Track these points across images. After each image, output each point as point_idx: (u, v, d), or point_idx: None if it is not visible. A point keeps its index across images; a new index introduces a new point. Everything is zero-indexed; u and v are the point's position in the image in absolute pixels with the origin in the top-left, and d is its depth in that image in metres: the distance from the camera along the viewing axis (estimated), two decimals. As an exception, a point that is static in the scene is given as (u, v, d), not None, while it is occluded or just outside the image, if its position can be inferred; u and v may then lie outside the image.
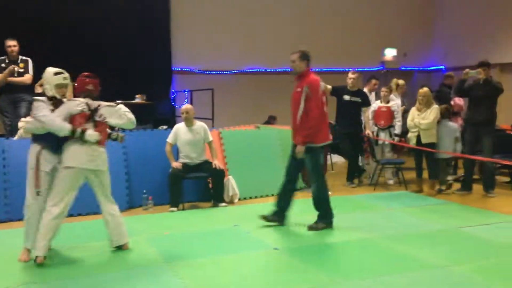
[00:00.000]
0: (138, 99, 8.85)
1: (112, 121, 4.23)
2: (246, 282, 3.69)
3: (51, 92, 4.10)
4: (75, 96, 4.28)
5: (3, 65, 6.80)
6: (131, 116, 4.27)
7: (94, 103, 4.18)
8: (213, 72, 11.13)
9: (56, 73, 4.15)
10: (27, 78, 6.88)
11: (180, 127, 6.28)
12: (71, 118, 4.06)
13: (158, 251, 4.45)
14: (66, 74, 4.20)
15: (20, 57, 6.96)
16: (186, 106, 6.46)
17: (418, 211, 5.86)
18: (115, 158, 6.22)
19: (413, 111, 6.98)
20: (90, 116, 4.12)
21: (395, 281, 3.67)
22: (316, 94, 4.81)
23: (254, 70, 11.48)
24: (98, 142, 4.15)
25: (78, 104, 4.12)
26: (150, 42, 10.31)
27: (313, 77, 4.89)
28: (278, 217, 5.17)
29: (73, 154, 4.06)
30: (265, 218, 5.16)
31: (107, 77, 9.30)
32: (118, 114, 4.23)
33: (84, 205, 5.54)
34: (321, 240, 4.74)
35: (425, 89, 6.94)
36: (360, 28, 12.00)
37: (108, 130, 4.42)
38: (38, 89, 7.54)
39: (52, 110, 4.05)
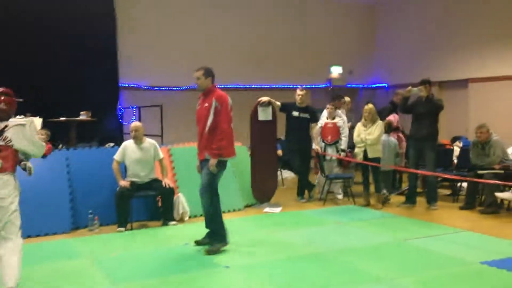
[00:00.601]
0: (83, 116, 8.56)
1: (20, 146, 3.68)
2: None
3: None
4: None
5: None
6: (42, 144, 3.86)
7: (0, 124, 3.65)
8: (162, 88, 10.99)
9: None
10: None
11: (128, 144, 6.12)
12: None
13: (105, 273, 4.28)
14: None
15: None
16: (135, 123, 6.31)
17: (366, 225, 5.99)
18: (57, 177, 6.00)
19: (359, 126, 7.18)
20: None
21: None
22: (226, 108, 4.81)
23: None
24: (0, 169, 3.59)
25: None
26: (96, 58, 10.03)
27: (221, 93, 4.92)
28: (210, 238, 5.00)
29: None
30: (198, 243, 5.03)
31: (51, 93, 9.16)
32: (30, 139, 3.70)
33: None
34: (272, 256, 4.73)
35: (370, 105, 7.17)
36: (308, 46, 12.29)
37: (20, 156, 3.83)
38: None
39: None
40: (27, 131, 3.70)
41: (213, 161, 4.74)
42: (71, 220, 5.87)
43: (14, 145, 3.63)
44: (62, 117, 8.26)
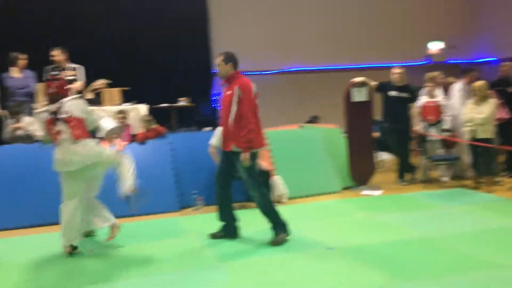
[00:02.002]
0: (182, 102, 8.94)
1: (77, 112, 4.34)
2: (301, 282, 3.63)
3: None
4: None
5: (52, 72, 6.99)
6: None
7: (56, 104, 4.34)
8: (253, 73, 11.11)
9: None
10: (78, 84, 7.05)
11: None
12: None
13: (212, 251, 4.45)
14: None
15: (71, 65, 7.15)
16: None
17: (476, 209, 5.61)
18: (163, 160, 6.34)
19: (468, 104, 6.71)
20: (55, 118, 4.30)
21: (458, 282, 3.50)
22: (248, 96, 4.48)
23: (295, 69, 11.39)
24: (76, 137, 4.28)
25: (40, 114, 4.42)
26: (191, 45, 10.43)
27: (244, 79, 4.57)
28: (227, 231, 4.86)
29: None
30: (214, 236, 4.87)
31: (153, 82, 9.68)
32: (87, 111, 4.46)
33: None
34: (377, 239, 4.60)
35: (481, 82, 6.66)
36: (403, 21, 11.68)
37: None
38: (88, 95, 7.76)
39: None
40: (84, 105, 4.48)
41: (245, 156, 4.46)
42: (177, 200, 6.19)
43: (75, 114, 4.35)
44: (163, 103, 8.68)
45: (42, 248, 4.70)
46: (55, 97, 4.35)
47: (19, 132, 6.35)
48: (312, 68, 11.34)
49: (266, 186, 6.25)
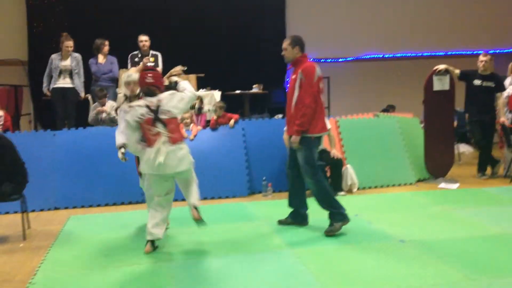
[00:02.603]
0: (255, 89, 9.03)
1: (176, 110, 3.96)
2: (371, 273, 3.57)
3: (123, 90, 4.43)
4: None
5: (136, 59, 7.36)
6: (191, 90, 4.13)
7: (153, 100, 3.91)
8: (328, 60, 10.95)
9: (124, 74, 4.50)
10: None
11: None
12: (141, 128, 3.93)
13: (280, 236, 4.49)
14: (131, 73, 4.37)
15: (151, 51, 7.46)
16: None
17: None
18: (235, 145, 6.46)
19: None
20: (154, 117, 3.88)
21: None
22: (310, 80, 4.36)
23: (371, 56, 11.08)
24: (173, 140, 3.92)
25: (138, 109, 3.91)
26: (265, 33, 10.44)
27: (309, 63, 4.47)
28: (295, 218, 4.81)
29: None
30: (281, 222, 4.86)
31: (227, 68, 9.84)
32: (179, 97, 3.99)
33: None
34: (452, 234, 4.41)
35: None
36: (490, 4, 10.91)
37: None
38: (165, 82, 8.06)
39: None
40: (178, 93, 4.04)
41: (294, 138, 4.41)
42: (247, 186, 6.31)
43: (173, 112, 3.93)
44: (237, 90, 8.82)
45: (120, 226, 5.01)
46: (151, 89, 3.93)
47: (102, 116, 6.76)
48: (390, 56, 10.95)
49: (338, 175, 6.20)
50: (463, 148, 8.63)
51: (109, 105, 6.90)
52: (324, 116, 4.59)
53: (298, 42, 4.55)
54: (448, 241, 4.22)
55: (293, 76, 4.51)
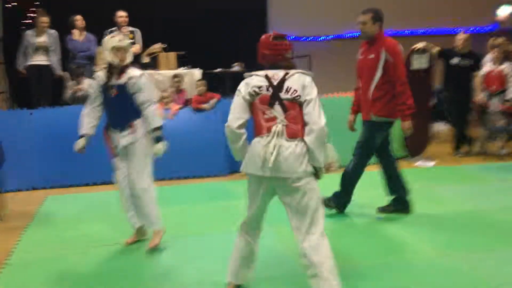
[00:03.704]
0: (236, 67, 8.95)
1: (307, 96, 2.70)
2: (347, 250, 3.64)
3: (108, 57, 3.66)
4: None
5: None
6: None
7: (279, 73, 2.76)
8: (310, 39, 10.90)
9: (112, 36, 3.73)
10: (135, 47, 7.22)
11: None
12: (251, 106, 2.78)
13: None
14: (122, 36, 3.80)
15: (129, 28, 7.31)
16: None
17: (537, 184, 5.35)
18: (216, 125, 6.43)
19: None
20: (274, 95, 2.72)
21: (508, 256, 3.40)
22: (400, 59, 4.08)
23: (352, 34, 11.05)
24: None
25: (256, 79, 2.77)
26: (246, 10, 10.32)
27: (392, 41, 4.13)
28: (397, 204, 4.47)
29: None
30: (383, 210, 4.51)
31: (207, 46, 9.72)
32: (311, 85, 2.75)
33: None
34: (428, 211, 4.50)
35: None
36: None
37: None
38: (145, 59, 7.95)
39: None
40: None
41: (407, 124, 4.10)
42: (227, 165, 6.31)
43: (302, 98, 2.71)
44: (218, 68, 8.74)
45: (97, 205, 4.98)
46: (280, 60, 2.82)
47: (79, 94, 6.65)
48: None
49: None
50: (440, 127, 8.75)
51: (87, 83, 6.78)
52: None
53: (380, 18, 4.18)
54: (423, 217, 4.32)
55: (371, 56, 4.14)
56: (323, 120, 2.67)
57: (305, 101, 2.67)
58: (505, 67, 6.83)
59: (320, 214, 2.73)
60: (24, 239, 4.01)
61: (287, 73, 2.74)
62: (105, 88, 3.70)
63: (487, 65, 6.96)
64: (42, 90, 6.97)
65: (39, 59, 6.95)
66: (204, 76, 7.80)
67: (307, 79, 2.73)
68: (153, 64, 7.96)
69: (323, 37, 10.93)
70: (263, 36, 2.90)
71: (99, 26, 7.31)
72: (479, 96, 6.84)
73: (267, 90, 2.72)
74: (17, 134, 5.83)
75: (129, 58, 3.69)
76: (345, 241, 3.78)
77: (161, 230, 3.74)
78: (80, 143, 3.80)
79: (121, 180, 3.78)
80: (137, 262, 3.51)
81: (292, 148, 2.65)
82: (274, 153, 2.61)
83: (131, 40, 7.10)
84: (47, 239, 4.00)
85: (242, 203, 4.83)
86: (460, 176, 5.87)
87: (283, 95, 2.70)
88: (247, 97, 2.75)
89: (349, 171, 4.36)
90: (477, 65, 6.84)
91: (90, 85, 6.71)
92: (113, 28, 7.24)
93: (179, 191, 5.51)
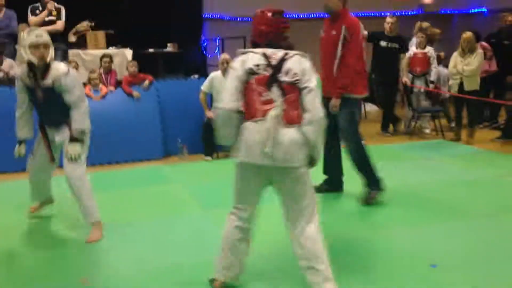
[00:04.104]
0: (169, 48, 8.75)
1: (309, 83, 2.53)
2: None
3: (26, 56, 3.38)
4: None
5: (37, 12, 6.75)
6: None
7: (278, 53, 2.58)
8: (245, 19, 10.84)
9: (29, 32, 3.44)
10: (59, 24, 6.82)
11: (216, 76, 6.15)
12: (244, 86, 2.56)
13: (195, 199, 4.53)
14: (40, 31, 3.46)
15: (54, 4, 6.88)
16: (225, 56, 6.14)
17: (457, 160, 5.73)
18: (149, 107, 6.29)
19: (455, 57, 6.68)
20: (272, 76, 2.53)
21: (433, 231, 3.62)
22: (357, 37, 4.00)
23: (288, 16, 11.14)
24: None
25: (254, 57, 2.58)
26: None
27: (353, 18, 4.05)
28: (330, 184, 4.56)
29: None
30: (317, 189, 4.40)
31: (139, 25, 9.39)
32: (310, 69, 2.57)
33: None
34: (355, 188, 4.69)
35: (469, 33, 6.59)
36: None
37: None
38: (72, 38, 7.55)
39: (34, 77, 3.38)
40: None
41: (335, 101, 4.05)
42: (162, 148, 6.21)
43: (302, 84, 2.53)
44: (150, 49, 8.49)
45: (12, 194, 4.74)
46: (280, 38, 2.64)
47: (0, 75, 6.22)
48: (305, 16, 11.08)
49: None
50: (368, 107, 9.10)
51: (7, 63, 6.35)
52: (366, 77, 4.26)
53: None
54: (350, 195, 4.45)
55: (333, 32, 4.03)
56: (322, 110, 2.56)
57: (305, 87, 2.51)
58: (429, 50, 7.19)
59: (315, 204, 2.63)
60: None
61: (286, 54, 2.56)
62: (31, 90, 3.47)
63: (413, 48, 7.29)
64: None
65: (-46, 39, 6.41)
66: (136, 57, 7.57)
67: (307, 64, 2.56)
68: (81, 43, 7.60)
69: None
70: (258, 12, 2.68)
71: (22, 2, 6.85)
72: (405, 78, 7.17)
73: (265, 70, 2.52)
74: None
75: (50, 54, 3.39)
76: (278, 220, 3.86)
77: (100, 221, 3.63)
78: (22, 150, 3.69)
79: (35, 165, 3.76)
80: (68, 251, 3.39)
81: (290, 135, 2.48)
82: (272, 141, 2.43)
83: (54, 18, 6.71)
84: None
85: (178, 187, 4.84)
86: (386, 155, 6.15)
87: (282, 77, 2.51)
88: (244, 76, 2.54)
89: (357, 158, 4.23)
90: (404, 48, 7.14)
91: (11, 65, 6.34)
92: (36, 4, 6.80)
93: (114, 176, 5.35)
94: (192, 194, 4.66)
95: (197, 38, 10.62)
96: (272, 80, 2.52)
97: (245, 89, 2.55)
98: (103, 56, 6.75)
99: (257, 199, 2.71)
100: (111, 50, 7.46)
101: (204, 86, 6.13)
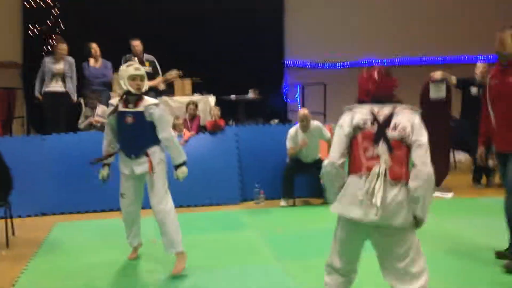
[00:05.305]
0: (251, 94, 8.94)
1: (421, 138, 2.48)
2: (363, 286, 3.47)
3: (124, 86, 3.71)
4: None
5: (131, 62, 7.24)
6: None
7: (384, 109, 2.55)
8: (325, 66, 10.87)
9: (128, 65, 3.80)
10: (158, 81, 7.25)
11: (296, 131, 6.10)
12: (352, 139, 2.55)
13: (271, 248, 4.40)
14: (138, 65, 3.84)
15: (145, 55, 7.36)
16: (304, 112, 6.10)
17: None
18: (228, 151, 6.37)
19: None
20: (379, 132, 2.50)
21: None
22: None
23: (368, 62, 11.01)
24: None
25: (360, 113, 2.58)
26: (263, 37, 10.36)
27: None
28: None
29: None
30: (499, 254, 3.99)
31: (222, 73, 9.76)
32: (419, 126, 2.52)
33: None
34: (435, 248, 4.30)
35: None
36: (488, 10, 10.81)
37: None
38: (162, 86, 7.97)
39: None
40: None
41: None
42: (239, 192, 6.22)
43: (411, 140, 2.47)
44: (232, 95, 8.73)
45: (105, 233, 4.91)
46: (388, 95, 2.62)
47: (94, 120, 6.68)
48: (387, 62, 10.89)
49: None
50: (459, 156, 8.54)
51: (101, 109, 6.81)
52: None
53: None
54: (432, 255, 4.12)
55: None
56: (431, 167, 2.43)
57: (415, 142, 2.45)
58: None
59: (420, 266, 2.49)
60: (29, 268, 3.94)
61: (394, 108, 2.54)
62: (121, 116, 3.75)
63: None
64: (57, 116, 7.02)
65: (56, 85, 7.02)
66: (218, 103, 7.80)
67: (417, 118, 2.51)
68: (169, 91, 7.99)
69: (339, 65, 10.89)
70: (364, 71, 2.71)
71: (116, 52, 7.41)
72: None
73: (372, 125, 2.51)
74: (30, 159, 5.85)
75: (145, 86, 3.76)
76: (363, 277, 3.62)
77: (184, 253, 3.77)
78: (105, 172, 3.94)
79: (127, 204, 3.94)
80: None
81: (395, 192, 2.41)
82: (379, 198, 2.36)
83: (149, 70, 7.12)
84: (52, 269, 3.92)
85: (254, 235, 4.75)
86: (479, 209, 5.66)
87: (389, 132, 2.48)
88: (351, 131, 2.54)
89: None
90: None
91: (104, 111, 6.80)
92: (129, 55, 7.30)
93: (190, 219, 5.37)
94: (268, 243, 4.54)
95: (278, 84, 10.78)
96: (378, 135, 2.49)
97: (351, 143, 2.55)
98: (189, 103, 7.04)
99: (357, 255, 2.64)
100: (196, 97, 7.76)
101: (290, 143, 6.08)
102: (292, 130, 6.14)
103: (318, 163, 6.12)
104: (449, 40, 10.63)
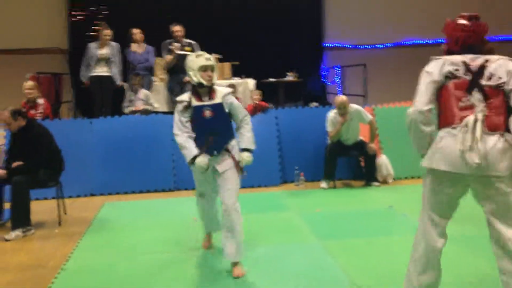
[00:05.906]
0: (289, 77, 8.94)
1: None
2: (402, 268, 3.46)
3: (195, 78, 3.37)
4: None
5: (170, 47, 7.38)
6: None
7: (476, 59, 2.43)
8: (366, 47, 10.68)
9: (197, 56, 3.45)
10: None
11: (335, 116, 6.06)
12: (439, 91, 2.44)
13: (311, 227, 4.44)
14: (208, 56, 3.46)
15: (186, 40, 7.46)
16: (342, 99, 5.99)
17: None
18: (268, 134, 6.42)
19: None
20: (473, 81, 2.38)
21: None
22: None
23: (411, 42, 10.73)
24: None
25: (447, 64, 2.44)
26: (301, 19, 10.28)
27: None
28: None
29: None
30: None
31: (261, 56, 9.76)
32: None
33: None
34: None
35: None
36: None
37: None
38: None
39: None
40: None
41: None
42: (279, 175, 6.27)
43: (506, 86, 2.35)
44: (271, 78, 8.74)
45: (153, 213, 5.09)
46: (477, 44, 2.49)
47: (137, 104, 6.86)
48: (430, 41, 10.56)
49: (372, 166, 6.07)
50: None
51: (143, 94, 6.99)
52: None
53: None
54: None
55: None
56: None
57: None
58: None
59: None
60: (81, 245, 4.15)
61: (487, 60, 2.41)
62: (197, 111, 3.41)
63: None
64: (103, 100, 7.25)
65: (101, 70, 7.25)
66: (258, 86, 7.84)
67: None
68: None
69: (380, 45, 10.67)
70: (449, 20, 2.59)
71: (158, 37, 7.54)
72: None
73: (465, 74, 2.39)
74: (78, 142, 6.09)
75: (216, 77, 3.45)
76: (402, 259, 3.61)
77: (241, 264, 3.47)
78: (203, 160, 3.38)
79: (208, 206, 3.75)
80: (185, 272, 3.51)
81: (494, 142, 2.29)
82: (480, 148, 2.24)
83: (189, 53, 7.21)
84: (102, 246, 4.11)
85: (295, 215, 4.80)
86: None
87: (484, 81, 2.36)
88: (440, 79, 2.41)
89: None
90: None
91: (146, 95, 6.97)
92: (169, 40, 7.41)
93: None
94: (308, 223, 4.59)
95: (317, 66, 10.70)
96: (473, 84, 2.37)
97: (440, 94, 2.42)
98: (228, 86, 7.08)
99: (452, 211, 2.51)
100: (235, 81, 7.82)
101: (329, 128, 6.07)
102: (331, 114, 6.10)
103: (359, 145, 6.09)
104: (499, 19, 10.19)
